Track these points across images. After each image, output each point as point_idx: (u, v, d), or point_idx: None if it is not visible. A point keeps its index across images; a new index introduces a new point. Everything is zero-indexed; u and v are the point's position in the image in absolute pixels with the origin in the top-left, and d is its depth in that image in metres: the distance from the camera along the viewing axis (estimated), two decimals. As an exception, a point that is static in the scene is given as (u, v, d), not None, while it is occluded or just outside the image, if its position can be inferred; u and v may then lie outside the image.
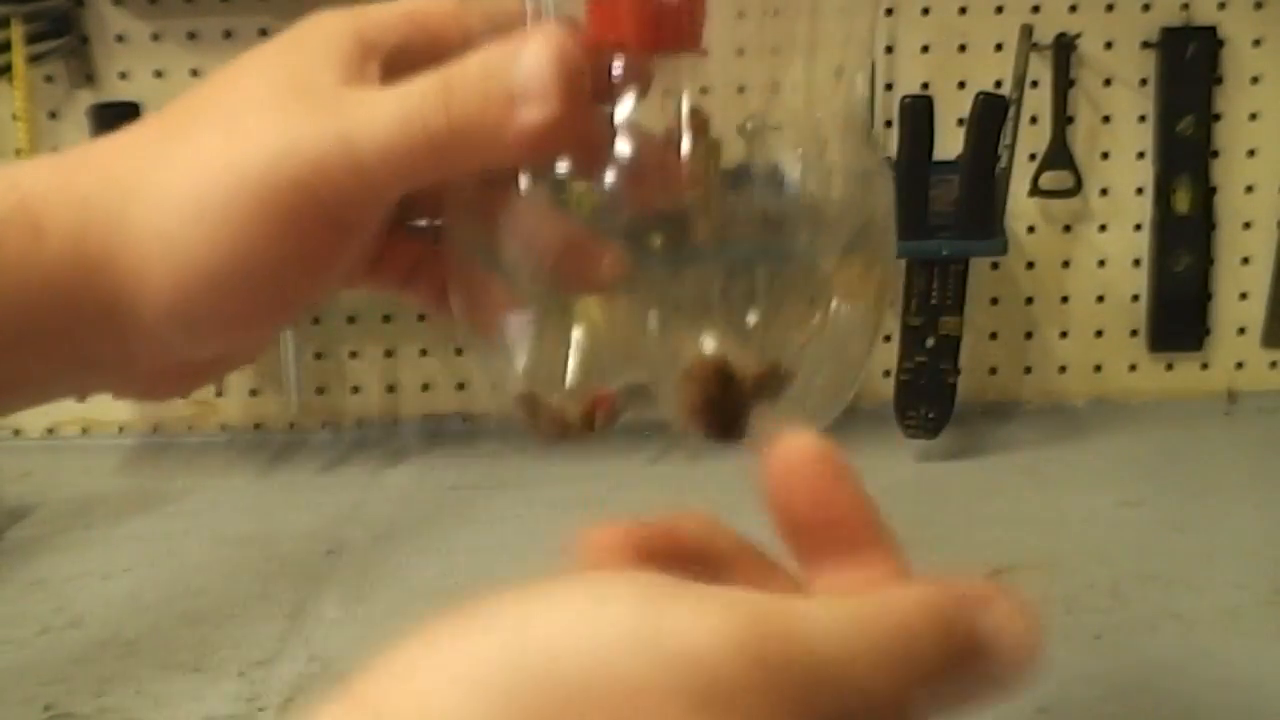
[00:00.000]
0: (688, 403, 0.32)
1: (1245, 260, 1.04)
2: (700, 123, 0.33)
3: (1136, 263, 1.04)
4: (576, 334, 0.33)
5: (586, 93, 0.32)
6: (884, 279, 0.35)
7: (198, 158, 0.32)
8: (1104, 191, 1.03)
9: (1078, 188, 1.01)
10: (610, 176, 0.32)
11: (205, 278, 0.32)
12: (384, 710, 0.24)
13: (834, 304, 0.34)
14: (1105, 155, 1.02)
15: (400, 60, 0.34)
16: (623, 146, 0.32)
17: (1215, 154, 1.02)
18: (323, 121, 0.32)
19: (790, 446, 0.29)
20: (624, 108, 0.32)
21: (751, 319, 0.32)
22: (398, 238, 0.38)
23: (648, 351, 0.32)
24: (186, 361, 0.35)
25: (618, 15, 0.32)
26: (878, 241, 0.34)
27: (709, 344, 0.32)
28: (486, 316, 0.35)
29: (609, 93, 0.33)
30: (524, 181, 0.33)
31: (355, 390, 1.06)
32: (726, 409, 0.32)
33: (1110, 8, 1.00)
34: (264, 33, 0.99)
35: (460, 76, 0.32)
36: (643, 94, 0.33)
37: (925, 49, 1.00)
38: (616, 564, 0.29)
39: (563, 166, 0.33)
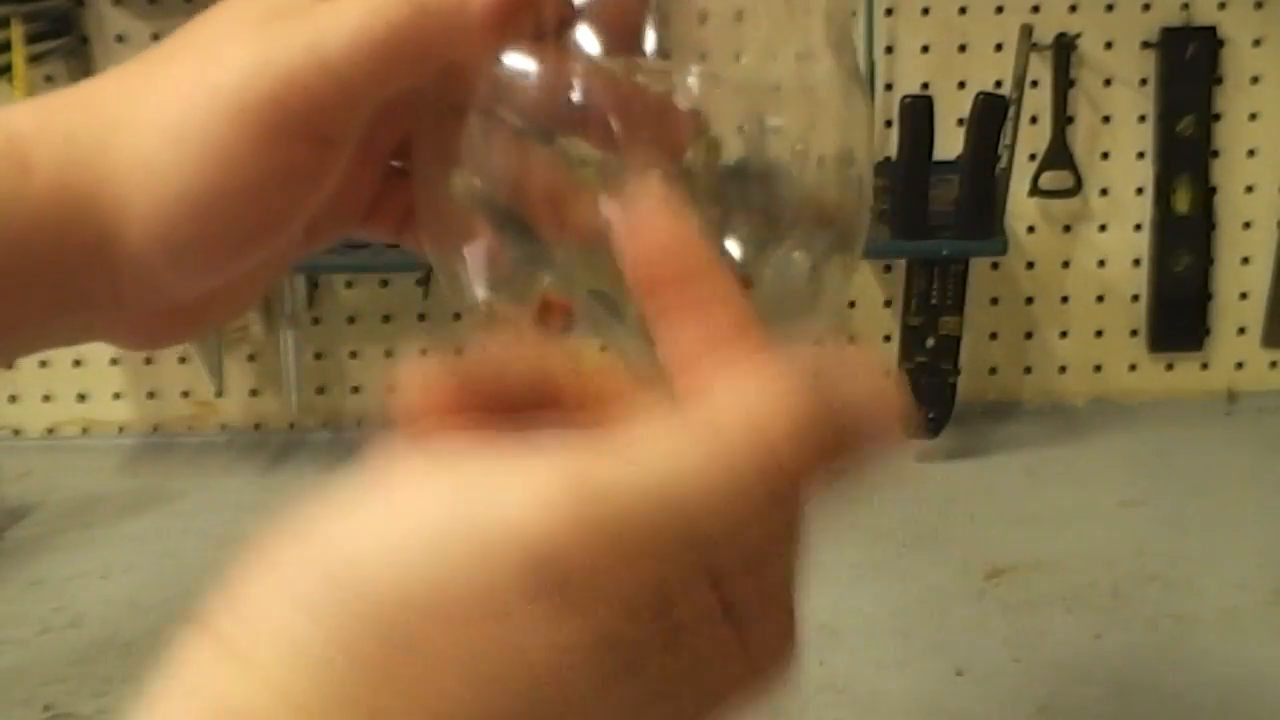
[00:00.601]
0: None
1: (1245, 260, 1.04)
2: (699, 118, 0.33)
3: (1136, 263, 1.04)
4: (547, 275, 0.33)
5: (559, 21, 0.32)
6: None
7: (176, 85, 0.33)
8: (1104, 191, 1.03)
9: (1078, 188, 1.01)
10: (582, 118, 0.32)
11: (188, 200, 0.32)
12: (234, 641, 0.24)
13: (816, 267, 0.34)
14: (1105, 155, 1.02)
15: None
16: (599, 90, 0.32)
17: (1215, 154, 1.02)
18: (291, 34, 0.32)
19: (645, 206, 0.26)
20: (600, 48, 0.32)
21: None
22: (391, 183, 0.38)
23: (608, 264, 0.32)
24: (180, 298, 0.35)
25: None
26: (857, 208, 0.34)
27: None
28: (451, 241, 0.35)
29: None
30: (493, 109, 0.33)
31: (355, 390, 1.06)
32: None
33: (1110, 8, 1.00)
34: (264, 33, 0.99)
35: None
36: (625, 40, 0.32)
37: (925, 49, 1.00)
38: (440, 422, 0.26)
39: (531, 93, 0.32)
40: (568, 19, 0.32)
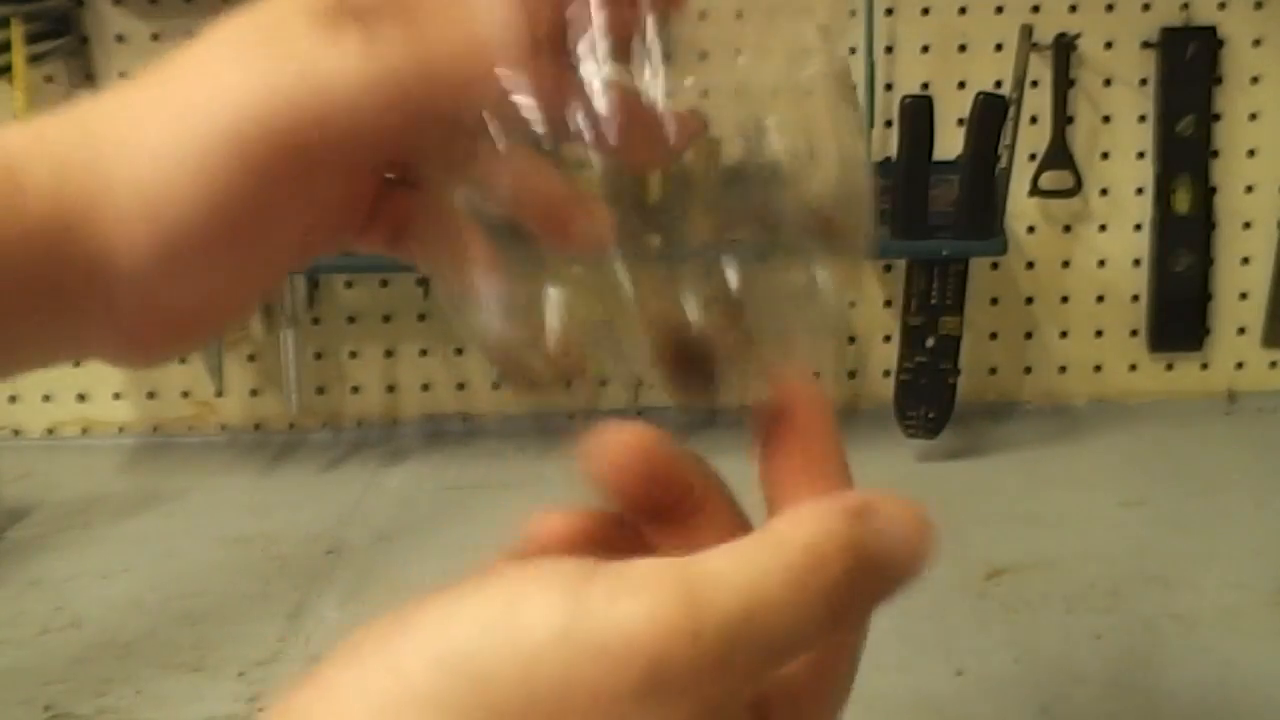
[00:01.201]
0: (656, 353, 0.32)
1: (1245, 260, 1.04)
2: (699, 121, 0.33)
3: (1136, 263, 1.04)
4: (551, 291, 0.33)
5: (556, 36, 0.32)
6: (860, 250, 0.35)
7: (171, 109, 0.33)
8: (1104, 191, 1.03)
9: (1078, 188, 1.01)
10: (586, 130, 0.32)
11: (182, 224, 0.32)
12: None
13: (816, 273, 0.34)
14: (1105, 155, 1.02)
15: (375, 9, 0.34)
16: (600, 101, 0.32)
17: (1215, 154, 1.02)
18: (288, 64, 0.32)
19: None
20: (600, 57, 0.32)
21: (732, 280, 0.32)
22: (386, 196, 0.38)
23: (623, 310, 0.32)
24: (177, 313, 0.35)
25: None
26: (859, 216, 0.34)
27: (684, 301, 0.32)
28: (464, 270, 0.35)
29: (588, 47, 0.32)
30: (502, 132, 0.33)
31: (355, 390, 1.06)
32: (695, 357, 0.32)
33: (1110, 8, 1.00)
34: (264, 33, 0.99)
35: (424, 10, 0.32)
36: (623, 45, 0.32)
37: (925, 49, 1.00)
38: (554, 552, 0.28)
39: (538, 117, 0.32)
40: (565, 28, 0.32)
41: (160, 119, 0.33)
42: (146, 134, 0.33)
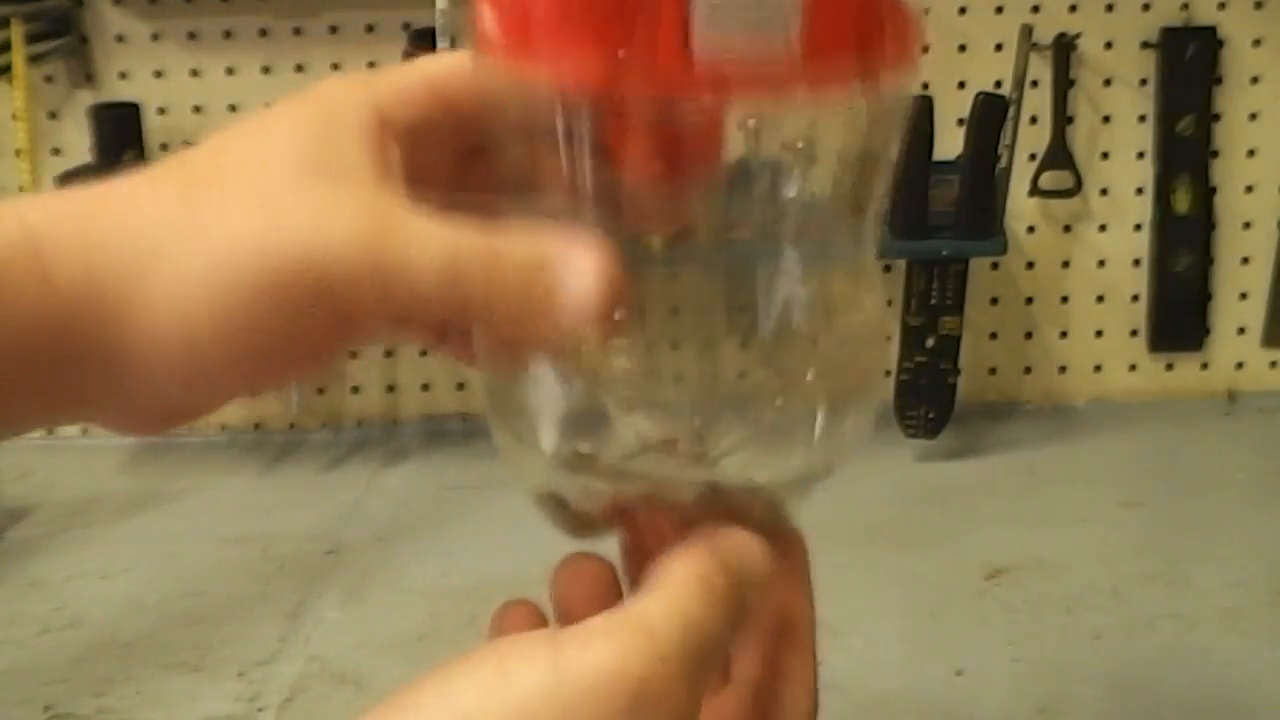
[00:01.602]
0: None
1: (1245, 260, 1.04)
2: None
3: (1136, 263, 1.04)
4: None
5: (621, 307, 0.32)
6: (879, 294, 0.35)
7: (226, 235, 0.32)
8: (1104, 191, 1.03)
9: (1078, 188, 1.01)
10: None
11: (214, 346, 0.32)
12: None
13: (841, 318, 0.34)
14: (1105, 155, 1.02)
15: (419, 135, 0.34)
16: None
17: (1215, 154, 1.02)
18: (356, 226, 0.31)
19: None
20: None
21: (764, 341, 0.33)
22: None
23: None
24: (186, 406, 0.35)
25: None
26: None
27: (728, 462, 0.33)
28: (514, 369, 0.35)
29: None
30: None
31: (355, 390, 1.06)
32: (754, 520, 0.33)
33: (1110, 8, 1.00)
34: (264, 33, 0.99)
35: (510, 255, 0.32)
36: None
37: (925, 49, 1.00)
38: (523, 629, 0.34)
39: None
40: None
41: (212, 243, 0.31)
42: (196, 254, 0.32)
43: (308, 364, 0.34)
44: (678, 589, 0.31)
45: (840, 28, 0.32)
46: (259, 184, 0.32)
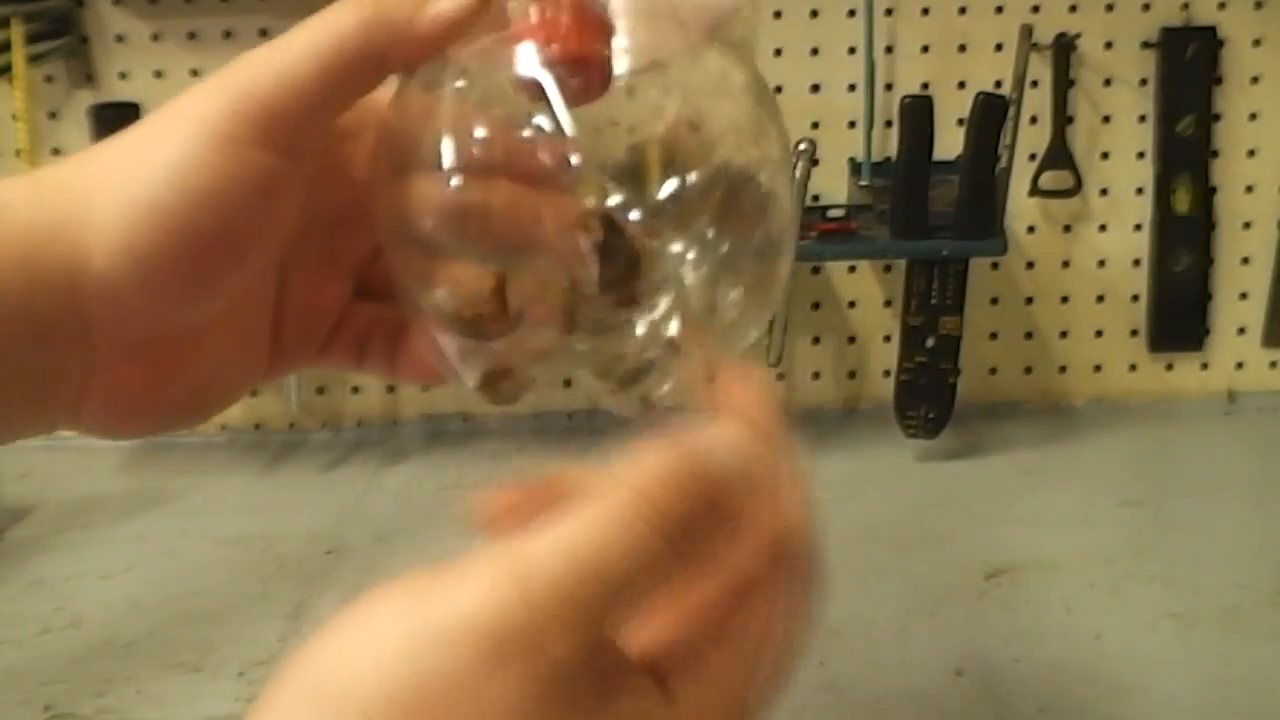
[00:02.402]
0: (581, 248, 0.33)
1: (1245, 260, 1.04)
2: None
3: (1136, 263, 1.04)
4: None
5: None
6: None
7: (143, 123, 0.35)
8: (1104, 191, 1.03)
9: (1078, 188, 1.01)
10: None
11: (149, 205, 0.33)
12: None
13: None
14: (1105, 155, 1.02)
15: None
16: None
17: (1215, 154, 1.02)
18: (252, 57, 0.35)
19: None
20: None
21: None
22: (346, 313, 0.40)
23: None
24: (153, 334, 0.35)
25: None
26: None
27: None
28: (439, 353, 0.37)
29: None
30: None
31: (355, 390, 1.06)
32: (616, 253, 0.33)
33: (1110, 8, 1.00)
34: (264, 33, 0.99)
35: None
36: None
37: (925, 49, 1.00)
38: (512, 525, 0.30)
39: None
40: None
41: (130, 133, 0.35)
42: (117, 144, 0.35)
43: (253, 228, 0.35)
44: (577, 518, 0.27)
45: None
46: (184, 127, 0.34)
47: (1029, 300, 1.05)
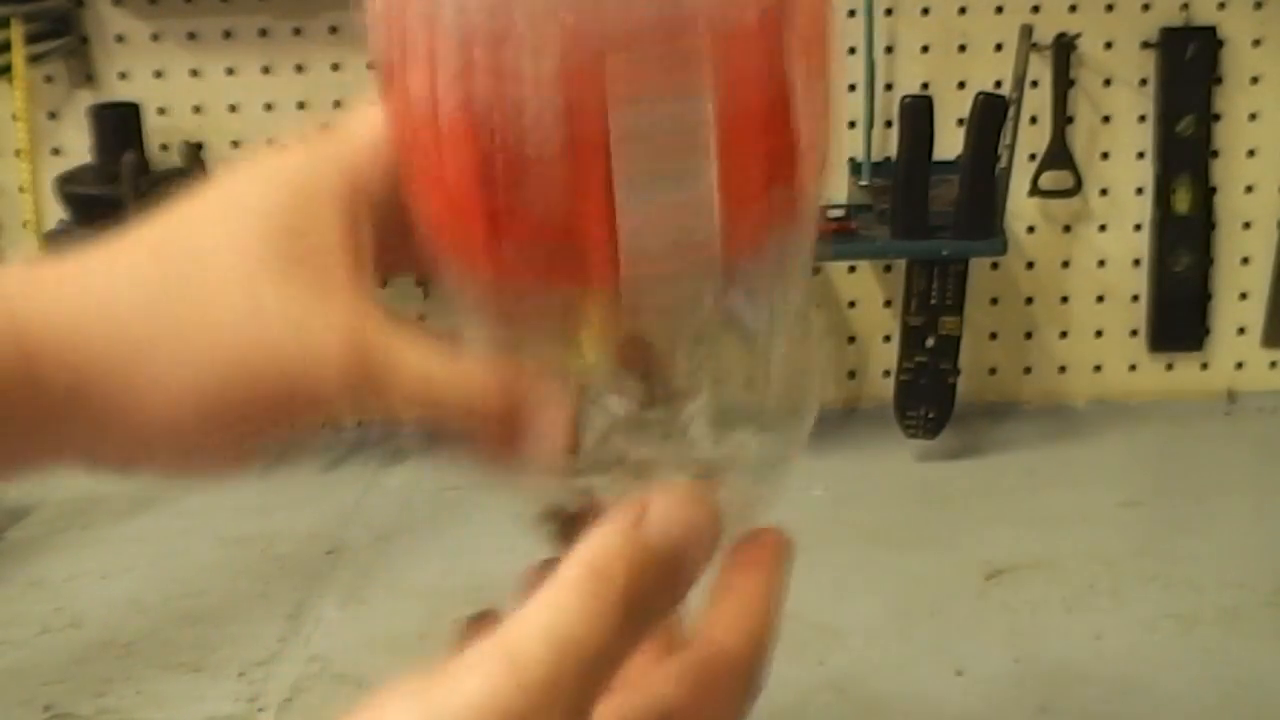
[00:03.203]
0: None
1: (1245, 260, 1.04)
2: None
3: (1136, 263, 1.04)
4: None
5: None
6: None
7: (209, 344, 0.32)
8: (1104, 191, 1.03)
9: (1078, 188, 1.01)
10: None
11: (198, 437, 0.34)
12: None
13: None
14: (1105, 155, 1.02)
15: (392, 197, 0.34)
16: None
17: (1215, 154, 1.02)
18: (336, 351, 0.33)
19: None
20: None
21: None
22: None
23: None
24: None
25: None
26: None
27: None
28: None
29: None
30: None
31: (355, 390, 1.05)
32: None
33: (1110, 8, 1.00)
34: (264, 33, 0.99)
35: (483, 397, 0.35)
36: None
37: (925, 49, 1.00)
38: None
39: None
40: None
41: (195, 353, 0.32)
42: (170, 366, 0.32)
43: (288, 440, 0.36)
44: (549, 602, 0.29)
45: (751, 195, 0.32)
46: (237, 277, 0.32)
47: (1029, 300, 1.05)
